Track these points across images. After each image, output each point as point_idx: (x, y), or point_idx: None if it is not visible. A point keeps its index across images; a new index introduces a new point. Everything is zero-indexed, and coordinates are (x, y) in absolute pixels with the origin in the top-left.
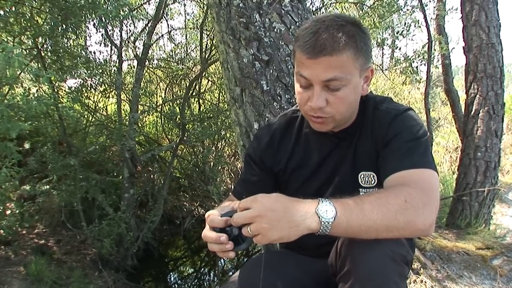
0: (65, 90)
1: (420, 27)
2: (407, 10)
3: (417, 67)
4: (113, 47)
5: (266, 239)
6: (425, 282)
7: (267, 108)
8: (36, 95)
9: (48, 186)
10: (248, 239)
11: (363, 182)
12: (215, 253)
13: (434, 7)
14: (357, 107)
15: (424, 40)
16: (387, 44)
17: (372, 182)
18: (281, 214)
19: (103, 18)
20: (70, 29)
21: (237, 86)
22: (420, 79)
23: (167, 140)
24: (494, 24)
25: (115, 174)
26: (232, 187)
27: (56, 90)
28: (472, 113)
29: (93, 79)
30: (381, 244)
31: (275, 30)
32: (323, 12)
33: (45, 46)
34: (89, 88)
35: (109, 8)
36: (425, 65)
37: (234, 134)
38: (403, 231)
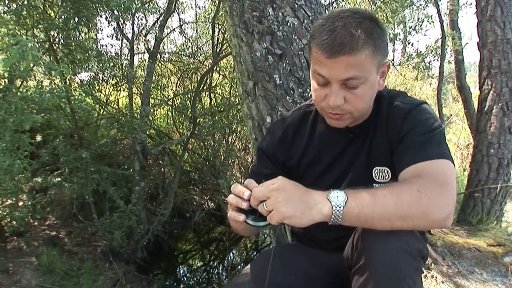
0: (77, 83)
1: (433, 22)
2: (420, 5)
3: (429, 62)
4: (125, 41)
5: (280, 214)
6: (436, 277)
7: (279, 102)
8: (48, 88)
9: (59, 179)
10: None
11: (377, 177)
12: (224, 247)
13: (448, 2)
14: (372, 103)
15: (437, 35)
16: (400, 39)
17: (386, 178)
18: (297, 193)
19: (115, 11)
20: (82, 22)
21: (250, 80)
22: (433, 74)
23: (177, 134)
24: (510, 19)
25: (125, 167)
26: (242, 181)
27: (68, 83)
28: (486, 109)
29: (104, 73)
30: (398, 237)
31: (288, 24)
32: (335, 7)
33: (57, 39)
34: (100, 82)
35: (122, 0)
36: (437, 60)
37: (245, 128)
38: (418, 220)
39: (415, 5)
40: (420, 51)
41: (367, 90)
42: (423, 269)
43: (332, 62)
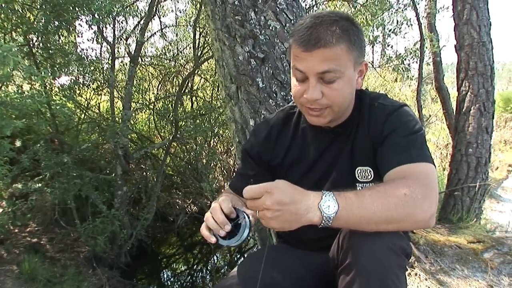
0: (58, 88)
1: (411, 25)
2: (399, 8)
3: (409, 64)
4: (105, 44)
5: (268, 226)
6: (419, 275)
7: (262, 105)
8: (29, 93)
9: (40, 184)
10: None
11: (359, 177)
12: (208, 250)
13: (426, 6)
14: (353, 100)
15: (415, 38)
16: (379, 41)
17: (369, 177)
18: (286, 207)
19: (96, 15)
20: (62, 26)
21: (232, 84)
22: (412, 76)
23: (159, 138)
24: (485, 23)
25: (107, 171)
26: (225, 184)
27: (48, 88)
28: (464, 110)
29: (85, 77)
30: (383, 237)
31: (270, 28)
32: (315, 10)
33: (36, 43)
34: (81, 86)
35: (103, 3)
36: (416, 62)
37: (227, 131)
38: (403, 223)
39: (394, 8)
40: (400, 53)
41: (344, 85)
42: (407, 267)
43: (308, 55)
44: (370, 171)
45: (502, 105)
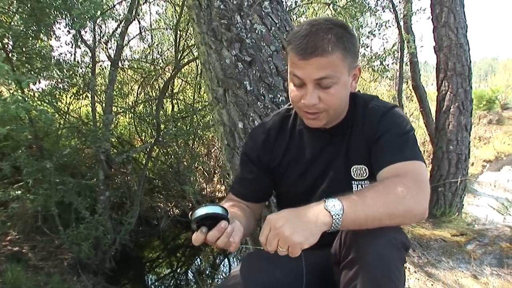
0: (38, 93)
1: (390, 26)
2: (377, 10)
3: (388, 65)
4: (84, 49)
5: (296, 246)
6: (409, 268)
7: (251, 107)
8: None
9: (20, 191)
10: None
11: (355, 175)
12: (191, 252)
13: (403, 8)
14: (347, 103)
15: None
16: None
17: (364, 175)
18: (293, 219)
19: (75, 19)
20: (42, 30)
21: (220, 87)
22: (392, 76)
23: (140, 141)
24: (462, 25)
25: (89, 176)
26: (206, 186)
27: (28, 93)
28: (444, 109)
29: (64, 81)
30: (384, 232)
31: (256, 31)
32: (297, 12)
33: (10, 47)
34: (62, 90)
35: (86, 8)
36: (394, 63)
37: (208, 133)
38: (403, 218)
39: (372, 11)
40: (378, 54)
41: (339, 90)
42: (406, 258)
43: (306, 63)
44: (365, 169)
45: (475, 102)
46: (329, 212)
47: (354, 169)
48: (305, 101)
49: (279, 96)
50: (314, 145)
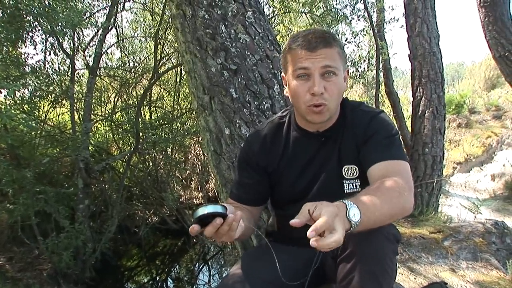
0: (16, 101)
1: (365, 35)
2: (352, 19)
3: (363, 71)
4: (64, 56)
5: (336, 243)
6: None
7: (237, 114)
8: None
9: None
10: None
11: (346, 174)
12: (170, 259)
13: (377, 17)
14: (339, 105)
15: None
16: None
17: (354, 174)
18: (338, 216)
19: (55, 27)
20: (22, 38)
21: (205, 94)
22: (368, 82)
23: (117, 149)
24: (434, 35)
25: (67, 185)
26: (184, 193)
27: (4, 101)
28: (419, 113)
29: (42, 89)
30: (379, 227)
31: (241, 40)
32: (275, 20)
33: None
34: (39, 99)
35: (68, 17)
36: (371, 70)
37: (186, 140)
38: (398, 216)
39: (348, 19)
40: (354, 61)
41: (339, 82)
42: (398, 250)
43: (312, 55)
44: (355, 169)
45: None
46: (350, 221)
47: (346, 169)
48: (314, 90)
49: (264, 103)
50: (309, 148)
